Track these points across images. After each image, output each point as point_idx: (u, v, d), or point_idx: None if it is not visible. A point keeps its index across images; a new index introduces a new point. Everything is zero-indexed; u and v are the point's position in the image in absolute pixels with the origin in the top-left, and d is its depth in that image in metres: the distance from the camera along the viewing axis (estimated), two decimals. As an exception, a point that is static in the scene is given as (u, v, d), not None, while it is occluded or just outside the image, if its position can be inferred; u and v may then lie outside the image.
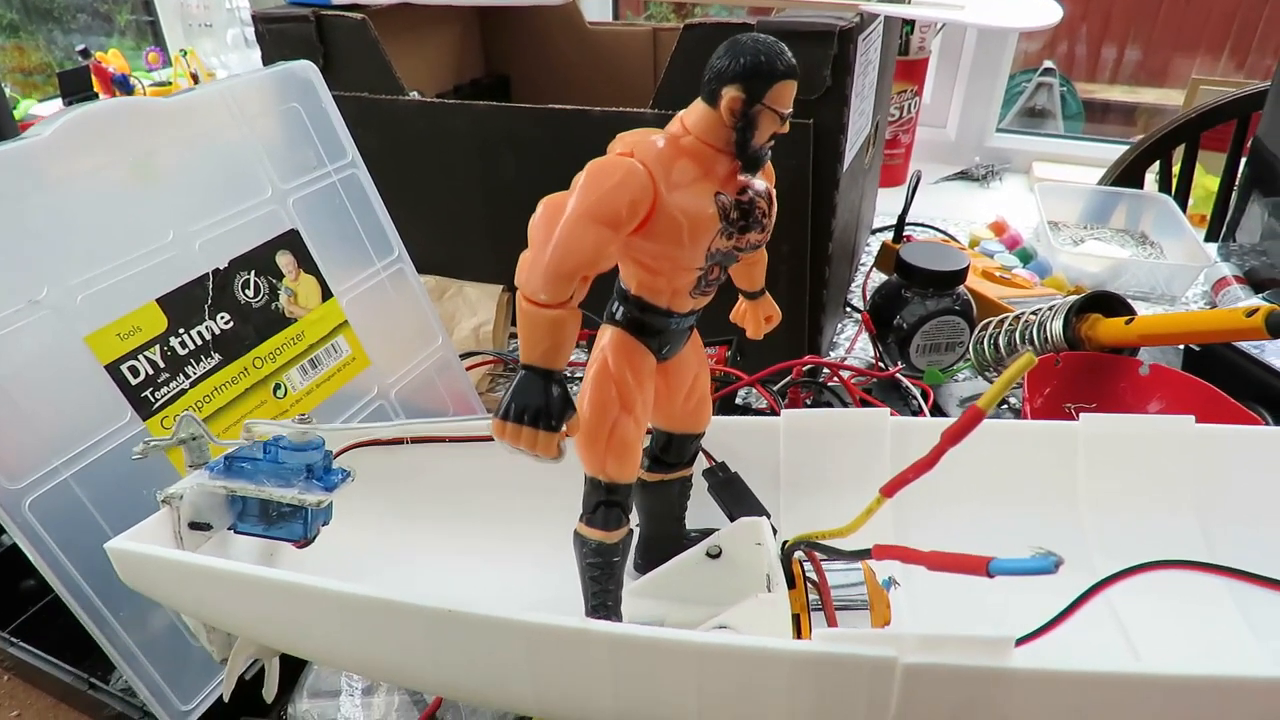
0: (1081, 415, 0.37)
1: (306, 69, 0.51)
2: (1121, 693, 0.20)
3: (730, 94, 0.25)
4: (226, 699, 0.32)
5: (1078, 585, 0.28)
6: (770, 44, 0.25)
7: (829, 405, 0.66)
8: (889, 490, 0.24)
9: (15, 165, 0.37)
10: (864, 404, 0.64)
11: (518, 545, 0.37)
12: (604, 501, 0.27)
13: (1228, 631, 0.30)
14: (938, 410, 0.66)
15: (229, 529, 0.30)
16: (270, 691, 0.33)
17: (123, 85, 1.63)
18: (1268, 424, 0.53)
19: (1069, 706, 0.21)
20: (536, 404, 0.24)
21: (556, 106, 0.68)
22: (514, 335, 0.81)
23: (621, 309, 0.27)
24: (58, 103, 1.69)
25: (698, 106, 0.26)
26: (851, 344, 0.80)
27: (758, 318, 0.34)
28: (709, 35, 0.61)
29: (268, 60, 0.76)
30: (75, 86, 1.60)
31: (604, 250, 0.24)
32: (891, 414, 0.38)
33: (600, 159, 0.25)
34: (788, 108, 0.26)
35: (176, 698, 0.40)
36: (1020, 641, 0.25)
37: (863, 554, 0.24)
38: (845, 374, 0.65)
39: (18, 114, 1.58)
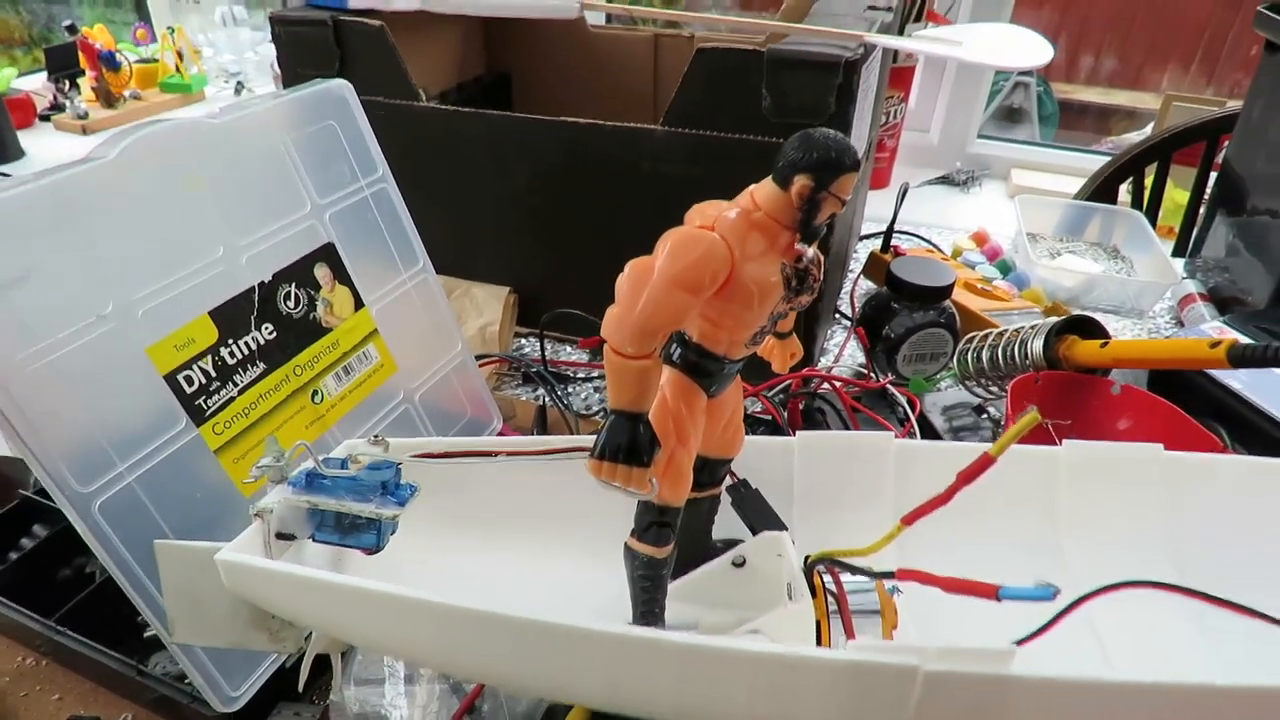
0: (1064, 441, 0.41)
1: (342, 88, 0.53)
2: (1105, 696, 0.24)
3: (801, 181, 0.28)
4: (301, 689, 0.35)
5: (1061, 600, 0.32)
6: (839, 140, 0.29)
7: (821, 412, 0.71)
8: (909, 519, 0.28)
9: (86, 187, 0.40)
10: (855, 412, 0.68)
11: (547, 558, 0.40)
12: (656, 522, 0.31)
13: (1186, 644, 0.35)
14: (923, 418, 0.71)
15: (309, 538, 0.33)
16: (337, 684, 0.37)
17: (109, 61, 1.61)
18: (1224, 441, 0.58)
19: (1063, 710, 0.25)
20: (628, 444, 0.27)
21: (570, 120, 0.70)
22: (518, 335, 0.84)
23: (680, 352, 0.31)
24: (42, 76, 1.67)
25: (768, 186, 0.29)
26: (840, 350, 0.84)
27: (784, 355, 0.38)
28: (721, 58, 0.64)
29: (284, 60, 0.78)
30: (62, 63, 1.58)
31: (686, 312, 0.27)
32: (895, 435, 0.42)
33: (684, 230, 0.29)
34: (848, 195, 0.29)
35: (227, 684, 0.44)
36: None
37: (886, 575, 0.28)
38: (837, 384, 0.69)
39: (0, 86, 1.56)
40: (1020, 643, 0.30)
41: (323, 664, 0.39)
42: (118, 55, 1.60)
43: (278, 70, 1.89)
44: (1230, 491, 0.40)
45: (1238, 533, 0.39)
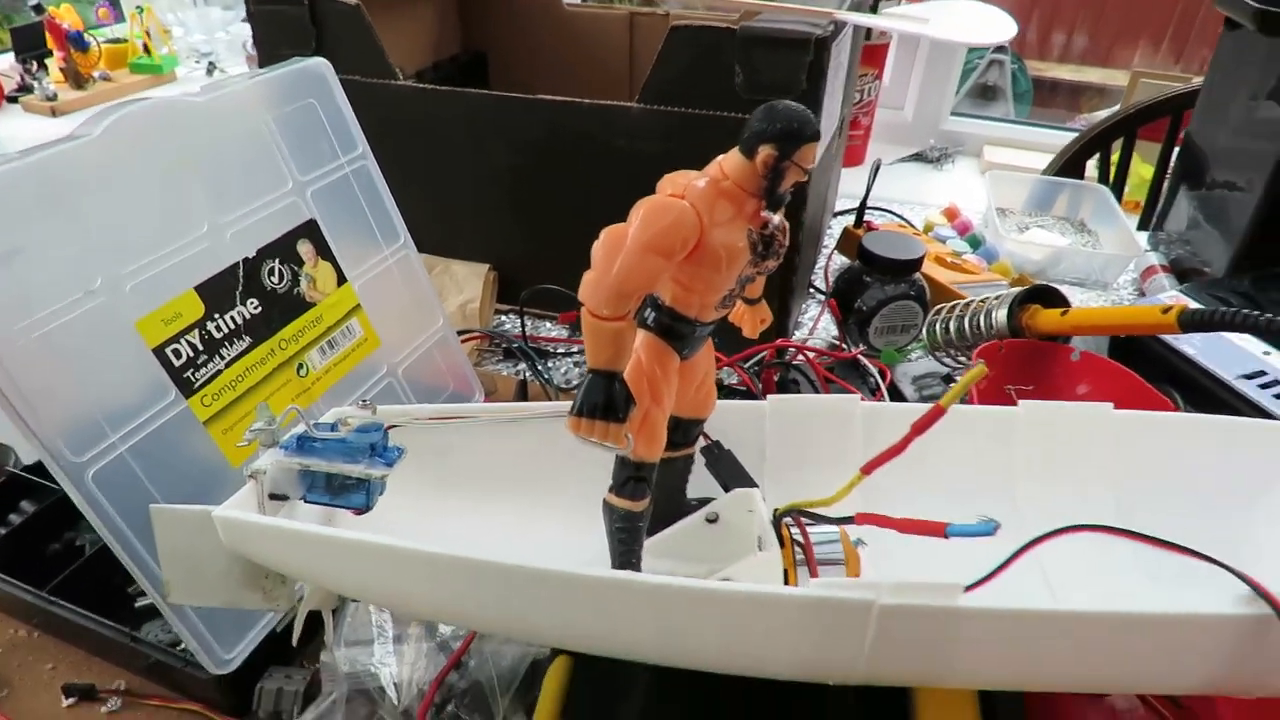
0: (1020, 401, 0.43)
1: (321, 66, 0.54)
2: (1040, 623, 0.26)
3: (766, 151, 0.30)
4: (295, 643, 0.36)
5: (1013, 546, 0.34)
6: (801, 112, 0.30)
7: (795, 383, 0.73)
8: (868, 469, 0.30)
9: (70, 164, 0.40)
10: (828, 382, 0.70)
11: (529, 521, 0.42)
12: (633, 477, 0.33)
13: (1129, 582, 0.37)
14: (894, 388, 0.73)
15: (300, 499, 0.35)
16: (329, 639, 0.38)
17: (77, 42, 1.59)
18: (1178, 404, 0.60)
19: (1003, 636, 0.27)
20: (605, 401, 0.29)
21: (547, 98, 0.71)
22: (498, 312, 0.85)
23: (654, 316, 0.33)
24: (9, 57, 1.64)
25: (735, 157, 0.31)
26: (815, 324, 0.86)
27: (754, 320, 0.39)
28: (695, 36, 0.65)
29: (259, 41, 0.78)
30: (29, 43, 1.56)
31: (659, 276, 0.29)
32: (862, 399, 0.44)
33: (656, 199, 0.30)
34: (811, 165, 0.31)
35: (220, 648, 0.45)
36: (968, 588, 0.31)
37: (846, 520, 0.30)
38: (810, 354, 0.71)
39: (-35, 69, 1.53)
40: (976, 584, 0.32)
41: (311, 628, 0.41)
42: (86, 35, 1.58)
43: (250, 51, 1.87)
44: (1172, 446, 0.42)
45: (1179, 483, 0.41)
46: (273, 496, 0.34)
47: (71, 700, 0.49)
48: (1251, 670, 0.28)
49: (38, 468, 0.60)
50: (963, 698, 0.33)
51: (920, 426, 0.28)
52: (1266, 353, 0.63)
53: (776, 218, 0.32)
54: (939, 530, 0.26)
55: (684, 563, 0.38)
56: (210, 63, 1.73)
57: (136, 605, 0.53)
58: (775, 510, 0.35)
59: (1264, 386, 0.60)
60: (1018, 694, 0.36)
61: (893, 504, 0.38)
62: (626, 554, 0.34)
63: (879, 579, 0.27)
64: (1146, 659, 0.28)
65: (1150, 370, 0.61)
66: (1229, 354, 0.64)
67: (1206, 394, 0.62)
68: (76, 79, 1.56)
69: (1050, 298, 0.66)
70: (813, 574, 0.33)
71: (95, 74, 1.60)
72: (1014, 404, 0.45)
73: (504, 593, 0.28)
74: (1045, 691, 0.35)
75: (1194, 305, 0.55)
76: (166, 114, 0.45)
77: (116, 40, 1.70)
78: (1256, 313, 0.49)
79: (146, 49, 1.67)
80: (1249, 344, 0.64)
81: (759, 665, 0.29)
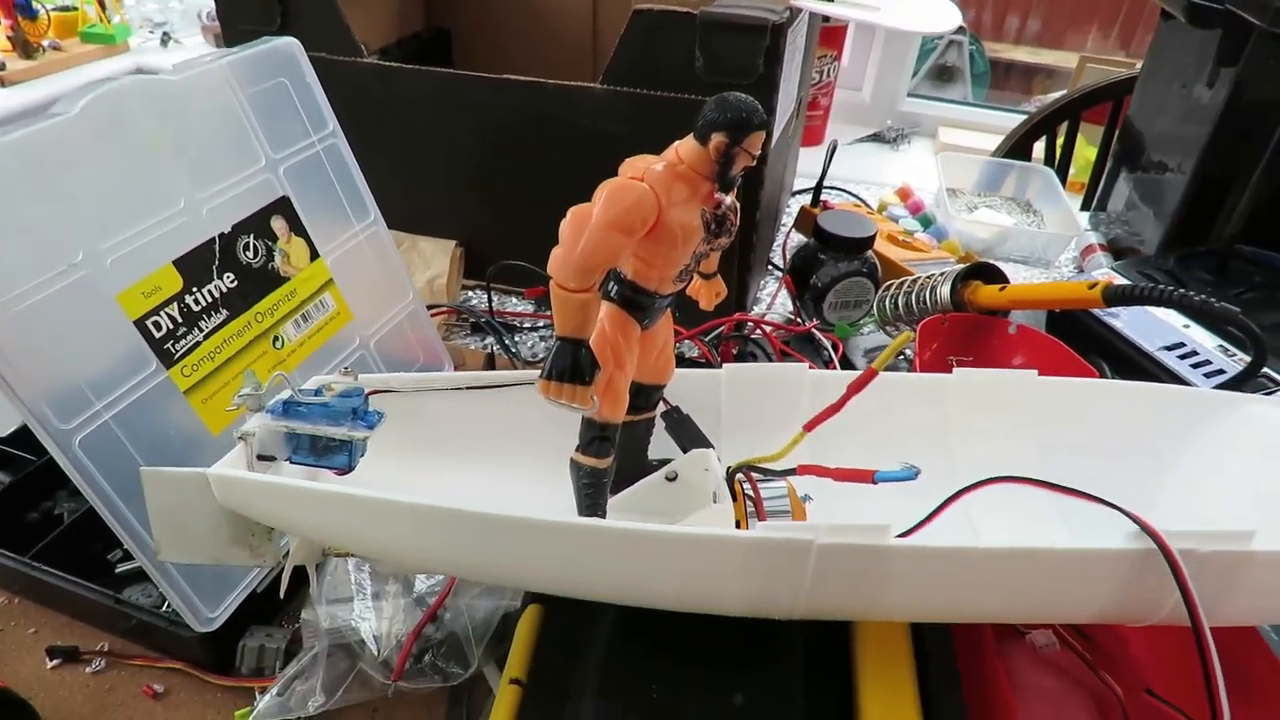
0: (954, 369, 0.47)
1: (291, 45, 0.55)
2: (958, 559, 0.30)
3: (718, 138, 0.33)
4: (283, 595, 0.39)
5: (944, 497, 0.37)
6: (750, 103, 0.33)
7: (753, 355, 0.76)
8: (809, 426, 0.33)
9: (50, 141, 0.42)
10: (784, 355, 0.74)
11: (501, 481, 0.45)
12: (598, 436, 0.36)
13: (1045, 527, 0.41)
14: (846, 360, 0.77)
15: (286, 459, 0.37)
16: (315, 594, 0.41)
17: (24, 9, 1.55)
18: (1104, 373, 0.65)
19: (926, 571, 0.30)
20: (572, 366, 0.32)
21: (512, 78, 0.73)
22: (465, 287, 0.87)
23: (616, 288, 0.36)
24: (-47, 26, 1.59)
25: (690, 143, 0.34)
26: (773, 299, 0.89)
27: (710, 293, 0.43)
28: (656, 21, 0.67)
29: (223, 13, 0.78)
30: (-25, 10, 1.52)
31: (621, 252, 0.32)
32: (811, 367, 0.48)
33: (618, 180, 0.33)
34: (758, 151, 0.33)
35: (204, 606, 0.47)
36: (903, 535, 0.34)
37: (789, 472, 0.33)
38: (767, 328, 0.75)
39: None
40: (909, 531, 0.35)
41: (291, 589, 0.43)
42: (34, 3, 1.54)
43: (205, 21, 1.82)
44: (1089, 408, 0.47)
45: (1095, 441, 0.45)
46: (260, 458, 0.36)
47: (56, 662, 0.51)
48: (1141, 599, 0.32)
49: (12, 439, 0.61)
50: (896, 632, 0.36)
51: (855, 387, 0.32)
52: (1186, 326, 0.68)
53: (728, 199, 0.35)
54: (868, 476, 0.30)
55: (646, 517, 0.41)
56: (165, 33, 1.70)
57: (117, 571, 0.55)
58: (729, 467, 0.38)
59: (1183, 357, 0.65)
60: (946, 631, 0.40)
61: (842, 462, 0.41)
62: (592, 508, 0.37)
63: (819, 523, 0.30)
64: (1052, 591, 0.32)
65: (1082, 343, 0.66)
66: (1152, 327, 0.68)
67: (1132, 364, 0.67)
68: (25, 48, 1.52)
69: (990, 274, 0.70)
70: (761, 520, 0.37)
71: (45, 43, 1.57)
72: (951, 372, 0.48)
73: (483, 540, 0.31)
74: (967, 623, 0.39)
75: (1120, 281, 0.59)
76: (143, 91, 0.46)
77: (66, 8, 1.66)
78: (1172, 288, 0.54)
79: (98, 17, 1.63)
80: (1171, 318, 0.69)
81: (712, 602, 0.32)
